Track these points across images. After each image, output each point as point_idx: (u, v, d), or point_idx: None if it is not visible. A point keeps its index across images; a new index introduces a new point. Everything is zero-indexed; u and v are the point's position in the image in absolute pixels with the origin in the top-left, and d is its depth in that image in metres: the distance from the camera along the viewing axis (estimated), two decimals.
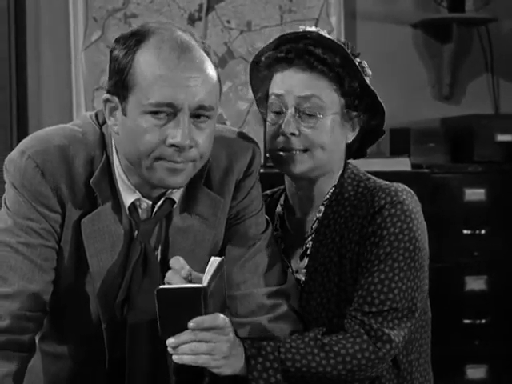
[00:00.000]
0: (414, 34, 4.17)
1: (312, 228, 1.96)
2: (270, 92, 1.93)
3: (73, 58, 3.97)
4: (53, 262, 1.74)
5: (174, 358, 1.60)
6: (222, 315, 1.63)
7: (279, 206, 2.05)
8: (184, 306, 1.56)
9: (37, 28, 3.98)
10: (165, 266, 1.80)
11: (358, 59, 1.92)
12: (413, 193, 1.91)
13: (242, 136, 1.88)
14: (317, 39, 1.88)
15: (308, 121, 1.88)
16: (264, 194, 2.05)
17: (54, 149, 1.70)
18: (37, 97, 3.99)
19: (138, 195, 1.75)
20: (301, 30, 1.91)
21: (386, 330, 1.80)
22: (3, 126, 3.92)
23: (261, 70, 1.96)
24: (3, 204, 1.74)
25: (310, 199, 1.97)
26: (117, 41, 1.69)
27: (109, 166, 1.74)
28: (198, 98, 1.64)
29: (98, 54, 3.99)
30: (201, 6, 4.04)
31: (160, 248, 1.81)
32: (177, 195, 1.77)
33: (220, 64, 3.91)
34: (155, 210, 1.77)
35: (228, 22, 4.06)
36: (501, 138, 3.91)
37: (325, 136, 1.88)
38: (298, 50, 1.87)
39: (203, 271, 1.83)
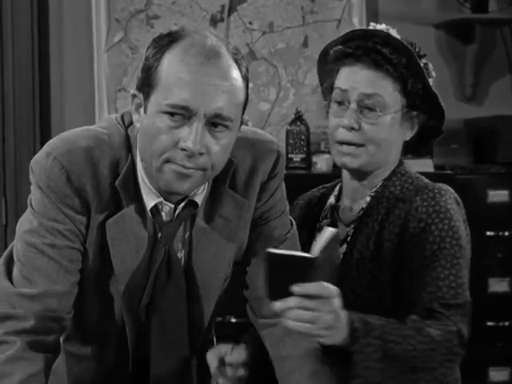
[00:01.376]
0: (436, 34, 4.16)
1: (356, 217, 2.01)
2: (336, 85, 1.98)
3: (95, 59, 3.99)
4: (78, 263, 1.74)
5: (284, 321, 1.63)
6: (328, 285, 1.62)
7: (333, 196, 2.11)
8: (292, 273, 1.57)
9: (59, 29, 4.01)
10: (188, 269, 1.81)
11: (423, 60, 1.98)
12: (456, 195, 1.97)
13: (266, 137, 1.88)
14: (385, 39, 1.93)
15: (369, 117, 1.94)
16: (324, 186, 2.16)
17: (80, 150, 1.70)
18: (60, 98, 4.02)
19: (159, 198, 1.75)
20: (371, 28, 1.97)
21: (462, 328, 1.84)
22: (26, 127, 3.94)
23: (328, 63, 2.01)
24: (29, 205, 1.74)
25: (360, 189, 2.03)
26: (153, 40, 1.69)
27: (134, 168, 1.74)
28: (215, 106, 1.62)
29: (120, 55, 4.01)
30: (223, 7, 4.04)
31: (184, 250, 1.81)
32: (199, 198, 1.77)
33: None
34: (177, 212, 1.77)
35: (250, 23, 4.06)
36: None
37: (383, 133, 1.95)
38: (366, 47, 1.93)
39: (227, 273, 1.84)
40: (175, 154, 1.64)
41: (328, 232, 1.62)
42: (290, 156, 3.81)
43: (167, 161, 1.65)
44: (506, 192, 3.80)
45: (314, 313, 1.62)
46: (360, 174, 2.01)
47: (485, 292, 3.76)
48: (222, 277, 1.85)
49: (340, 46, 1.98)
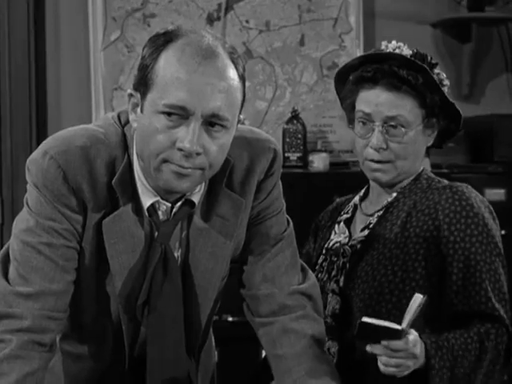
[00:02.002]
0: (433, 33, 4.16)
1: (381, 207, 2.09)
2: (358, 108, 2.08)
3: (92, 57, 3.99)
4: (74, 262, 1.74)
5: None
6: (412, 337, 1.74)
7: (357, 196, 2.20)
8: (381, 338, 1.71)
9: (56, 28, 4.00)
10: (185, 268, 1.80)
11: (436, 70, 2.07)
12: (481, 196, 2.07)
13: (263, 136, 1.88)
14: (400, 61, 2.02)
15: (395, 134, 2.03)
16: (350, 196, 2.25)
17: (76, 149, 1.70)
18: (56, 97, 4.01)
19: (156, 197, 1.74)
20: (384, 51, 2.05)
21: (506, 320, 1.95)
22: (23, 126, 3.94)
23: (347, 83, 2.11)
24: (25, 204, 1.74)
25: (386, 187, 2.12)
26: (149, 39, 1.69)
27: (130, 167, 1.73)
28: (212, 106, 1.62)
29: (116, 53, 4.00)
30: (219, 5, 4.04)
31: (181, 250, 1.81)
32: (196, 197, 1.77)
33: None
34: (174, 211, 1.77)
35: (247, 21, 4.06)
36: None
37: (410, 148, 2.05)
38: (383, 71, 2.02)
39: (225, 272, 1.84)
40: (172, 154, 1.64)
41: (417, 300, 1.71)
42: (286, 155, 3.81)
43: (165, 161, 1.65)
44: (502, 191, 3.80)
45: (398, 360, 1.75)
46: (390, 183, 2.11)
47: None
48: (220, 276, 1.85)
49: (358, 71, 2.07)
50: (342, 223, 2.16)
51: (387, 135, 2.03)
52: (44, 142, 1.74)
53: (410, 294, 1.86)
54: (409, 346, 1.73)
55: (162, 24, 3.94)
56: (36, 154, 1.71)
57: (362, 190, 2.21)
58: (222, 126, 1.65)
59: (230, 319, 3.51)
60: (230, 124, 1.66)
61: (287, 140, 3.88)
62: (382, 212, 2.09)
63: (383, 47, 2.08)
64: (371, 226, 2.08)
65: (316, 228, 2.25)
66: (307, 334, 1.86)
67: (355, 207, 2.18)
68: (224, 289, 1.92)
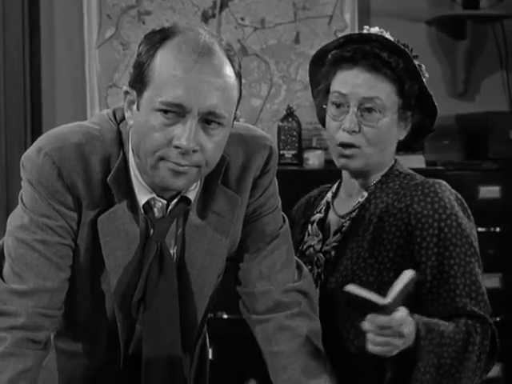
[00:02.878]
0: (428, 30, 4.16)
1: (352, 208, 2.03)
2: (334, 89, 2.00)
3: (86, 55, 3.98)
4: (69, 259, 1.74)
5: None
6: (398, 316, 1.66)
7: (330, 192, 2.14)
8: (366, 311, 1.67)
9: (51, 25, 4.00)
10: (181, 265, 1.80)
11: (416, 61, 2.00)
12: (455, 191, 2.00)
13: (259, 133, 1.88)
14: (383, 42, 1.96)
15: (369, 119, 1.97)
16: (325, 186, 2.20)
17: (71, 146, 1.70)
18: (51, 94, 4.01)
19: (152, 194, 1.74)
20: (366, 32, 2.00)
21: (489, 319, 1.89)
22: (18, 123, 3.93)
23: (324, 65, 2.04)
24: (19, 201, 1.73)
25: (358, 187, 2.06)
26: (145, 36, 1.69)
27: (125, 164, 1.73)
28: (209, 103, 1.62)
29: (111, 51, 4.00)
30: (214, 3, 4.04)
31: (176, 247, 1.81)
32: (192, 194, 1.77)
33: None
34: (170, 208, 1.77)
35: (242, 19, 4.06)
36: None
37: (383, 135, 1.98)
38: (364, 51, 1.96)
39: (221, 269, 1.84)
40: (169, 151, 1.63)
41: (406, 276, 1.67)
42: (281, 152, 3.81)
43: (161, 158, 1.64)
44: (497, 188, 3.81)
45: (384, 338, 1.68)
46: (359, 174, 2.04)
47: None
48: (215, 273, 1.85)
49: (337, 50, 2.00)
50: (314, 224, 2.10)
51: (361, 118, 1.96)
52: (39, 138, 1.74)
53: None
54: (394, 324, 1.66)
55: (156, 21, 3.94)
56: (31, 150, 1.71)
57: (335, 185, 2.15)
58: (218, 123, 1.65)
59: (225, 316, 3.51)
60: (226, 121, 1.66)
61: (282, 137, 3.88)
62: (354, 214, 2.02)
63: (365, 31, 2.01)
64: (344, 229, 2.02)
65: (291, 222, 2.14)
66: (303, 332, 1.86)
67: (328, 205, 2.11)
68: (219, 286, 1.92)
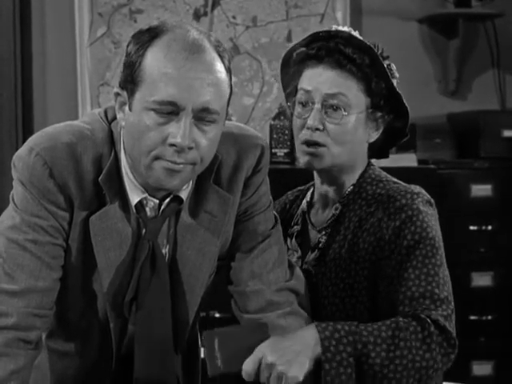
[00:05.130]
0: (420, 29, 4.16)
1: (327, 223, 2.00)
2: (299, 87, 1.98)
3: (78, 53, 3.98)
4: (60, 259, 1.73)
5: None
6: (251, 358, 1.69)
7: (305, 201, 2.10)
8: None
9: (42, 23, 3.99)
10: (173, 264, 1.80)
11: (386, 61, 1.97)
12: (429, 197, 1.94)
13: (250, 132, 1.88)
14: (347, 39, 1.93)
15: (333, 117, 1.93)
16: (299, 190, 2.15)
17: (62, 146, 1.69)
18: (42, 93, 4.00)
19: (144, 194, 1.74)
20: (333, 29, 1.97)
21: (447, 325, 1.80)
22: (9, 122, 3.92)
23: (291, 66, 2.02)
24: (11, 201, 1.73)
25: (330, 195, 2.02)
26: (133, 35, 1.68)
27: (117, 163, 1.73)
28: (202, 100, 1.62)
29: (103, 49, 3.99)
30: (206, 1, 4.04)
31: (168, 246, 1.80)
32: (184, 194, 1.77)
33: None
34: (162, 208, 1.76)
35: (233, 17, 4.05)
36: (507, 133, 3.91)
37: (348, 133, 1.94)
38: (328, 48, 1.93)
39: (212, 268, 1.84)
40: (164, 150, 1.63)
41: None
42: (273, 151, 3.81)
43: (156, 158, 1.64)
44: (488, 186, 3.82)
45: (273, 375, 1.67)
46: (329, 179, 2.00)
47: (468, 286, 3.78)
48: (207, 272, 1.85)
49: (303, 48, 1.98)
50: (293, 239, 2.06)
51: (326, 115, 1.92)
52: (30, 138, 1.73)
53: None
54: (248, 368, 1.67)
55: (148, 20, 3.93)
56: (22, 150, 1.71)
57: (309, 193, 2.09)
58: (211, 121, 1.65)
59: (217, 315, 3.51)
60: (219, 117, 1.66)
61: (274, 136, 3.88)
62: (329, 230, 1.98)
63: (333, 29, 1.97)
64: (320, 245, 1.98)
65: None
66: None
67: (304, 216, 2.07)
68: (211, 286, 1.92)
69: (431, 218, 1.90)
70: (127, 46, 1.68)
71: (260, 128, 3.92)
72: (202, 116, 1.64)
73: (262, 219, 1.89)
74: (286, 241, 2.05)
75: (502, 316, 3.79)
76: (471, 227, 3.78)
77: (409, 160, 3.67)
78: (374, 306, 1.90)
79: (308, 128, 1.94)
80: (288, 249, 2.06)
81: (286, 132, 3.87)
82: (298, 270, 1.95)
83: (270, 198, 1.92)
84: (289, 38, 4.04)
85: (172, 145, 1.62)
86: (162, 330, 1.81)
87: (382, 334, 1.75)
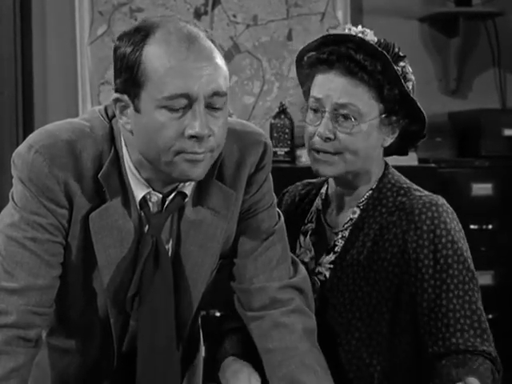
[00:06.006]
0: (420, 28, 4.16)
1: (344, 226, 1.97)
2: (311, 94, 1.93)
3: (78, 52, 3.98)
4: (60, 257, 1.73)
5: None
6: None
7: (319, 199, 2.06)
8: None
9: (43, 22, 3.99)
10: (176, 260, 1.80)
11: (402, 63, 1.92)
12: (451, 208, 1.91)
13: (254, 129, 1.87)
14: (359, 44, 1.87)
15: (344, 126, 1.88)
16: (309, 183, 2.12)
17: (62, 143, 1.69)
18: (43, 91, 4.00)
19: (149, 189, 1.74)
20: (345, 32, 1.92)
21: (494, 353, 1.83)
22: (10, 120, 3.92)
23: (304, 68, 1.98)
24: (10, 199, 1.73)
25: (347, 199, 1.99)
26: (120, 38, 1.67)
27: (117, 160, 1.72)
28: (212, 86, 1.63)
29: (103, 48, 3.99)
30: (207, 0, 4.03)
31: (171, 242, 1.80)
32: (188, 189, 1.76)
33: (226, 58, 3.89)
34: (166, 203, 1.76)
35: (234, 16, 4.05)
36: (508, 132, 3.91)
37: (360, 142, 1.89)
38: (339, 53, 1.87)
39: (215, 264, 1.83)
40: (184, 143, 1.63)
41: None
42: (274, 150, 3.77)
43: (178, 152, 1.64)
44: (489, 185, 3.82)
45: None
46: (343, 182, 1.97)
47: None
48: (209, 268, 1.84)
49: (313, 52, 1.93)
50: (307, 237, 2.03)
51: (337, 124, 1.88)
52: (30, 136, 1.73)
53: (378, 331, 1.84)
54: None
55: None
56: (21, 147, 1.70)
57: (323, 189, 2.05)
58: (220, 106, 1.65)
59: (218, 314, 3.51)
60: (226, 100, 1.67)
61: (275, 135, 3.87)
62: (346, 233, 1.94)
63: (346, 30, 1.93)
64: (336, 248, 1.95)
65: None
66: (298, 328, 1.86)
67: (318, 214, 2.03)
68: (211, 283, 1.92)
69: (459, 235, 1.87)
70: (116, 50, 1.67)
71: (260, 127, 3.85)
72: (213, 102, 1.64)
73: (265, 216, 1.88)
74: (298, 237, 2.04)
75: (502, 315, 3.78)
76: (472, 226, 3.77)
77: (409, 159, 3.65)
78: (393, 317, 1.88)
79: (318, 136, 1.90)
80: (300, 247, 2.04)
81: (287, 131, 3.87)
82: (301, 267, 1.94)
83: (274, 195, 1.92)
84: (289, 37, 4.04)
85: (192, 136, 1.62)
86: (164, 325, 1.80)
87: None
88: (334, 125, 1.88)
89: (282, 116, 3.89)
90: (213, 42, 1.67)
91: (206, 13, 4.03)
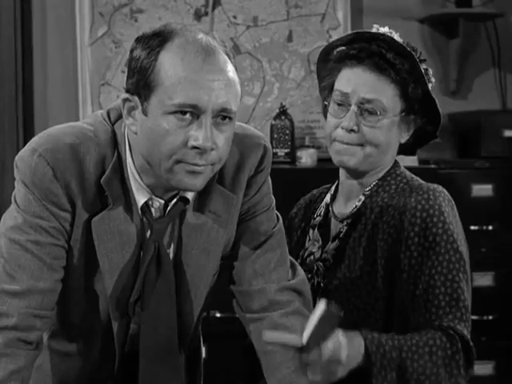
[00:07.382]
0: (420, 29, 4.16)
1: (349, 214, 2.02)
2: (336, 87, 2.00)
3: (79, 53, 3.97)
4: (62, 260, 1.73)
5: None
6: (330, 345, 1.64)
7: (329, 194, 2.12)
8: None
9: (43, 23, 3.99)
10: (178, 264, 1.80)
11: (424, 65, 1.99)
12: (449, 196, 1.97)
13: (253, 132, 1.88)
14: (389, 43, 1.95)
15: (368, 119, 1.96)
16: (324, 187, 2.19)
17: (65, 147, 1.69)
18: (43, 93, 4.00)
19: (151, 194, 1.74)
20: (375, 31, 1.98)
21: (469, 338, 1.84)
22: (10, 122, 3.92)
23: (330, 61, 2.04)
24: (13, 201, 1.73)
25: (355, 188, 2.05)
26: (138, 40, 1.67)
27: (120, 165, 1.73)
28: (221, 101, 1.63)
29: (104, 49, 3.99)
30: (207, 1, 4.03)
31: (172, 246, 1.81)
32: (190, 194, 1.77)
33: None
34: (168, 208, 1.76)
35: (234, 17, 4.05)
36: (508, 133, 3.90)
37: (382, 136, 1.97)
38: (370, 50, 1.95)
39: (216, 268, 1.83)
40: (186, 153, 1.64)
41: (319, 310, 1.61)
42: (274, 150, 3.81)
43: (178, 161, 1.64)
44: (489, 186, 3.81)
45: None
46: (356, 174, 2.03)
47: None
48: (211, 272, 1.85)
49: (343, 47, 2.00)
50: (316, 230, 2.09)
51: (361, 117, 1.96)
52: (33, 139, 1.73)
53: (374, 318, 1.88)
54: (318, 359, 1.64)
55: (149, 19, 3.94)
56: (24, 151, 1.70)
57: (333, 187, 2.13)
58: (228, 119, 1.66)
59: (218, 315, 3.51)
60: (234, 116, 1.68)
61: (275, 136, 3.88)
62: (350, 220, 2.01)
63: (374, 30, 2.00)
64: (341, 235, 2.01)
65: (289, 226, 2.16)
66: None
67: (327, 208, 2.10)
68: (214, 286, 1.92)
69: (452, 219, 1.91)
70: (132, 51, 1.67)
71: (261, 128, 3.92)
72: (220, 116, 1.65)
73: (264, 219, 1.89)
74: (308, 232, 2.10)
75: (503, 316, 3.78)
76: (472, 227, 3.77)
77: (409, 160, 3.64)
78: (390, 295, 1.92)
79: (343, 128, 1.97)
80: (309, 239, 2.09)
81: (287, 132, 3.88)
82: (300, 269, 1.95)
83: (273, 197, 1.92)
84: (289, 38, 4.04)
85: (194, 147, 1.63)
86: (167, 330, 1.81)
87: (419, 351, 1.79)
88: (358, 118, 1.95)
89: (283, 117, 3.90)
90: (228, 56, 1.68)
91: (206, 14, 4.03)
